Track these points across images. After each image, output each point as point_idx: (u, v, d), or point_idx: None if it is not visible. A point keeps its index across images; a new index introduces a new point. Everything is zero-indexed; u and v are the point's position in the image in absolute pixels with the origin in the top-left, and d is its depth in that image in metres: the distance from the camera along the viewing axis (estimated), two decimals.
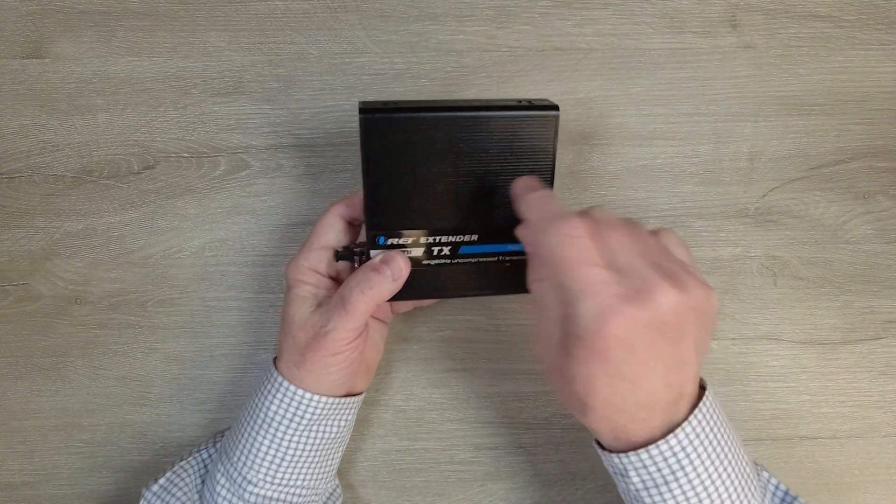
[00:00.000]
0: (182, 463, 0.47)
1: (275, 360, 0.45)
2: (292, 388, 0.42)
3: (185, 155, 0.49)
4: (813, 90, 0.49)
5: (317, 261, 0.42)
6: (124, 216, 0.50)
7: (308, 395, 0.42)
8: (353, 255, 0.42)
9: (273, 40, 0.48)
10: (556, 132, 0.40)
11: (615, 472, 0.38)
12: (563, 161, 0.50)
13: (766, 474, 0.42)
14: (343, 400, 0.44)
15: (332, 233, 0.43)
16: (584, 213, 0.36)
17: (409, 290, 0.42)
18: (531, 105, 0.40)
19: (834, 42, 0.49)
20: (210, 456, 0.48)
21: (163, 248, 0.50)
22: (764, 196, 0.50)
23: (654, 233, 0.38)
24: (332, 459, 0.46)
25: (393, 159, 0.39)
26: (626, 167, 0.50)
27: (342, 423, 0.45)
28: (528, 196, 0.38)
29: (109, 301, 0.50)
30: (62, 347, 0.51)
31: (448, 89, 0.49)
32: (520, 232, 0.38)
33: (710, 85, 0.49)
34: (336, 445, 0.46)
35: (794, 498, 0.42)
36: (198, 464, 0.48)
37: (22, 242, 0.50)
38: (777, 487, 0.42)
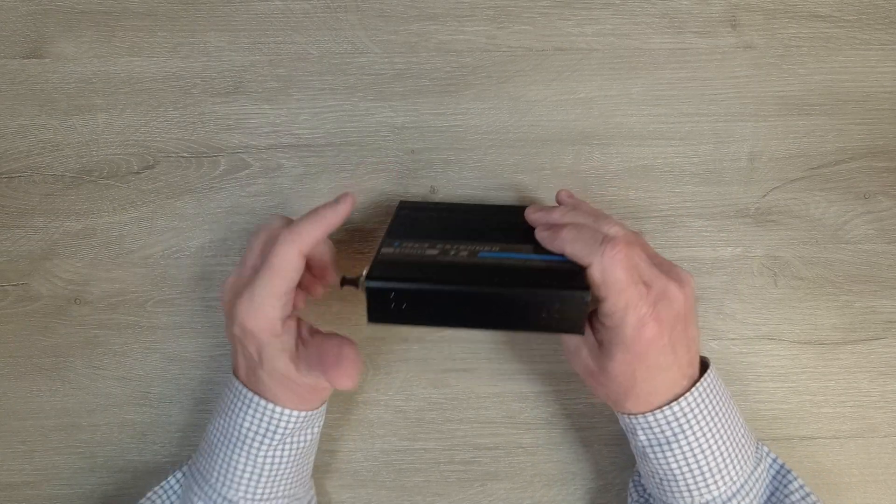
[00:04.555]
0: (150, 494, 0.46)
1: (234, 371, 0.44)
2: (263, 402, 0.41)
3: (185, 155, 0.49)
4: (813, 90, 0.49)
5: (286, 308, 0.39)
6: (124, 216, 0.50)
7: (279, 408, 0.41)
8: (355, 281, 0.40)
9: (273, 40, 0.48)
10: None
11: (626, 430, 0.44)
12: (564, 161, 0.50)
13: (766, 448, 0.46)
14: (313, 413, 0.43)
15: (296, 274, 0.39)
16: (618, 236, 0.39)
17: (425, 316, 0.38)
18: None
19: (834, 42, 0.49)
20: (178, 482, 0.47)
21: (162, 248, 0.50)
22: (764, 196, 0.50)
23: (637, 235, 0.43)
24: (306, 466, 0.46)
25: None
26: (627, 167, 0.50)
27: (314, 432, 0.45)
28: (568, 226, 0.40)
29: (109, 301, 0.50)
30: (62, 347, 0.51)
31: (448, 89, 0.49)
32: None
33: (710, 85, 0.49)
34: (308, 453, 0.46)
35: (788, 471, 0.45)
36: (170, 489, 0.46)
37: (21, 242, 0.50)
38: (774, 461, 0.46)
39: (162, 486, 0.46)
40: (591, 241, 0.38)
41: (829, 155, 0.50)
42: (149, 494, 0.46)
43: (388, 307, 0.37)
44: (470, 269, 0.38)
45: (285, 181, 0.50)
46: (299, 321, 0.42)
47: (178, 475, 0.47)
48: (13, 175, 0.49)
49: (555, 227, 0.40)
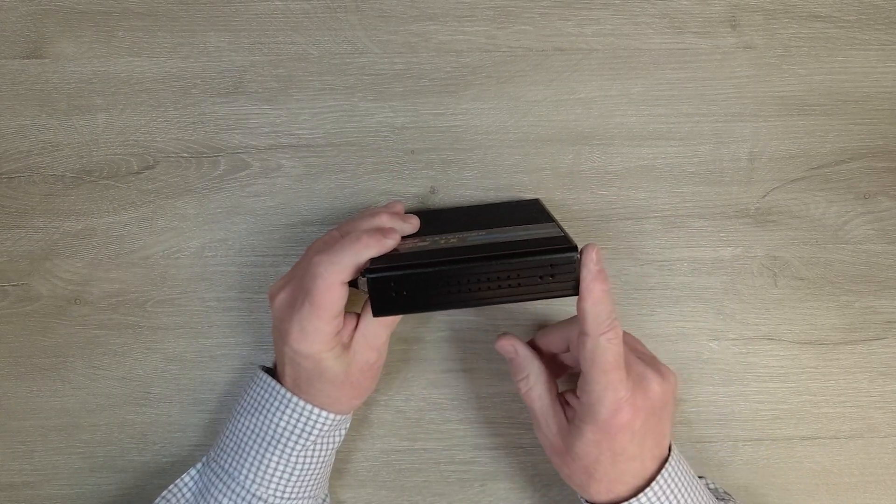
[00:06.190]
0: (164, 493, 0.45)
1: (268, 371, 0.45)
2: (301, 402, 0.42)
3: (185, 155, 0.49)
4: (813, 90, 0.49)
5: (337, 324, 0.41)
6: (124, 216, 0.50)
7: (316, 410, 0.42)
8: (355, 283, 0.41)
9: (273, 40, 0.48)
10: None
11: None
12: (564, 161, 0.50)
13: None
14: (346, 416, 0.45)
15: (342, 301, 0.40)
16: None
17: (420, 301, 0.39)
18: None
19: (834, 42, 0.49)
20: (193, 479, 0.46)
21: (162, 248, 0.50)
22: (764, 196, 0.50)
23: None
24: (330, 467, 0.47)
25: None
26: (626, 167, 0.50)
27: (342, 433, 0.46)
28: (593, 294, 0.38)
29: (109, 301, 0.50)
30: (62, 347, 0.51)
31: (448, 89, 0.49)
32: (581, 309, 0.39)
33: (710, 85, 0.49)
34: (334, 454, 0.46)
35: None
36: (184, 486, 0.46)
37: (21, 242, 0.50)
38: None
39: (176, 485, 0.46)
40: (606, 317, 0.38)
41: (829, 155, 0.50)
42: (164, 494, 0.46)
43: (389, 296, 0.38)
44: (462, 250, 0.39)
45: (285, 181, 0.50)
46: (346, 316, 0.42)
47: (193, 472, 0.46)
48: (13, 175, 0.49)
49: (603, 273, 0.39)
